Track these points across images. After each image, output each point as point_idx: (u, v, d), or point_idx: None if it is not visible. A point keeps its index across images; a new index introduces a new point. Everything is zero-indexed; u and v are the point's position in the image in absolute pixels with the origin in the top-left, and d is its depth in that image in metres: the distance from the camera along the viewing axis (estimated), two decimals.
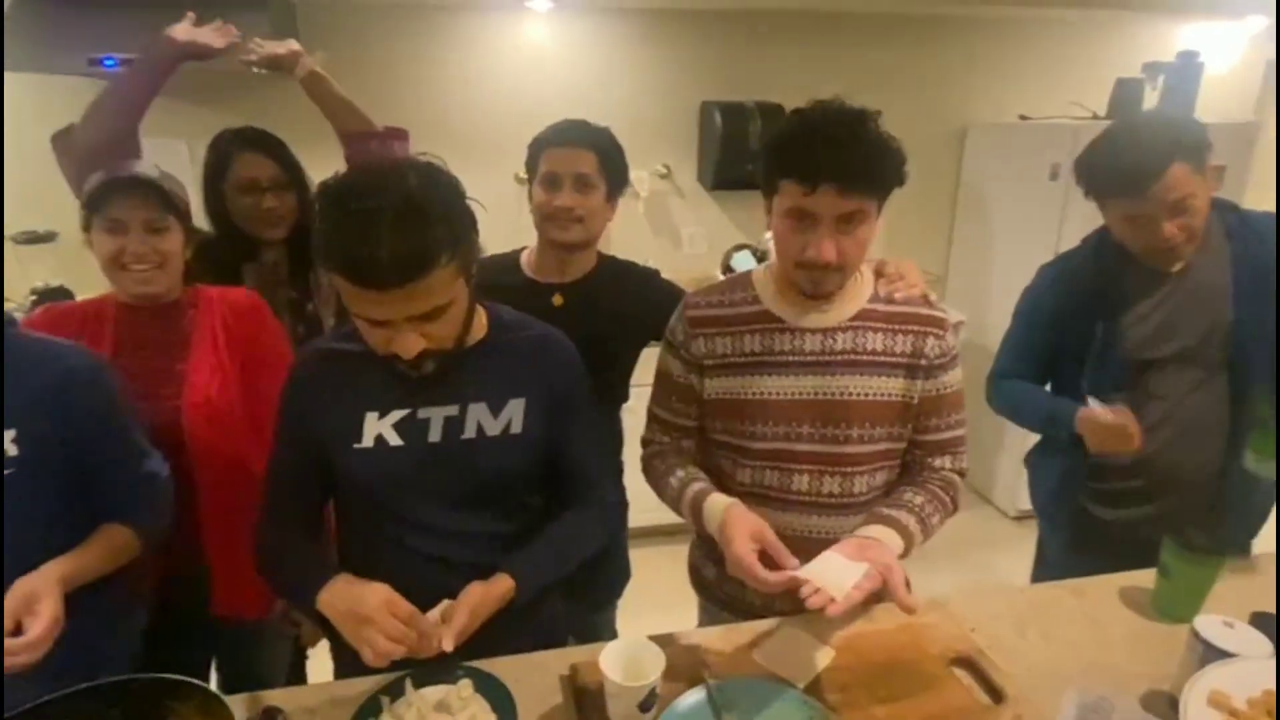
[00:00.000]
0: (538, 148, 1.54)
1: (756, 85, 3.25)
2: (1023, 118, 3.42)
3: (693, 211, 3.44)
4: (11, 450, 1.02)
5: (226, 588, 1.41)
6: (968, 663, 1.15)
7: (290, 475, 1.18)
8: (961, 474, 1.31)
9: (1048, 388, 1.72)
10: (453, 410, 1.12)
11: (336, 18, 2.91)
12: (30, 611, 0.97)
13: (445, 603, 1.04)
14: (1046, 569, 1.83)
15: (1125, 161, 1.39)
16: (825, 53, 3.32)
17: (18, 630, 0.96)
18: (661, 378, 1.33)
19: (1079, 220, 2.92)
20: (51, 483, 1.08)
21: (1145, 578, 1.32)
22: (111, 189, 1.29)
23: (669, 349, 1.31)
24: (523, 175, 3.28)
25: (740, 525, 1.10)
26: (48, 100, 2.80)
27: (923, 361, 1.23)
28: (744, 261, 3.27)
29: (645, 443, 1.38)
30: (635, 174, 3.30)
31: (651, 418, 1.36)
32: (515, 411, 1.14)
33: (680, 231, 3.46)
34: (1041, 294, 1.64)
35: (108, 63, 2.40)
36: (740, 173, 3.18)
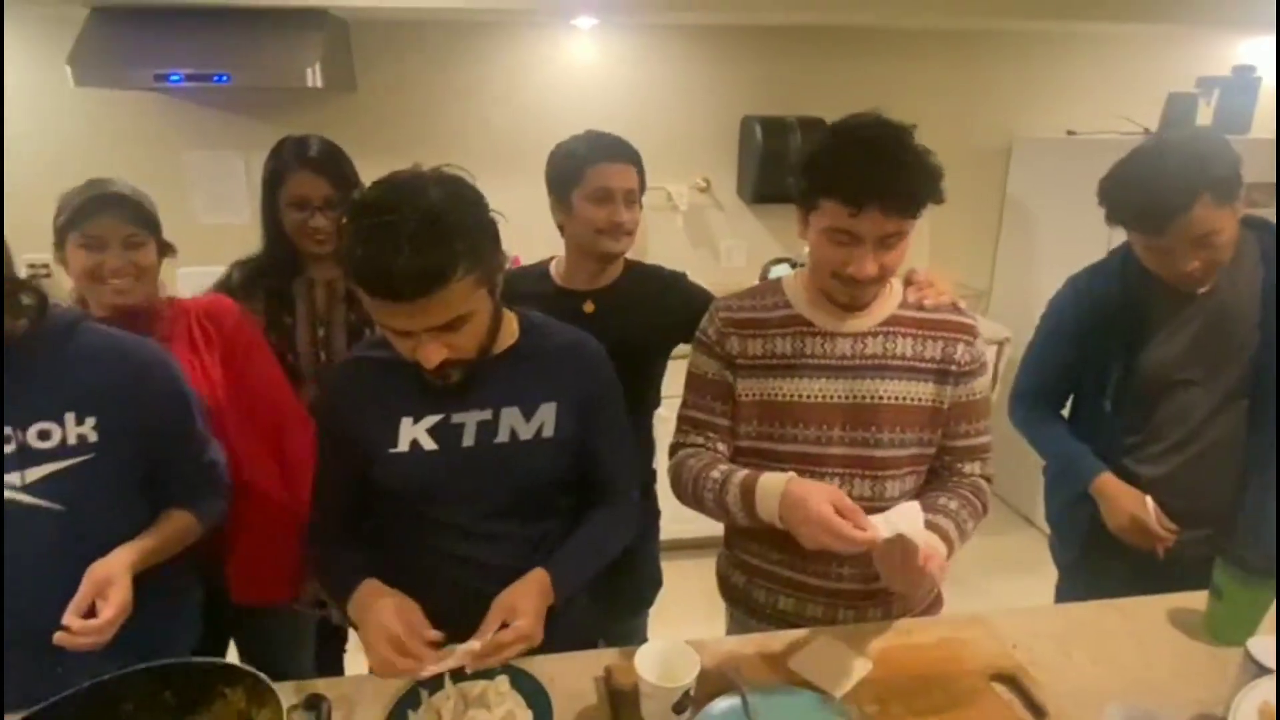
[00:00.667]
0: (579, 162, 1.55)
1: (798, 100, 3.26)
2: (1070, 133, 3.36)
3: (731, 225, 3.46)
4: (92, 436, 1.07)
5: (241, 574, 1.46)
6: (1008, 679, 1.13)
7: (332, 479, 1.22)
8: (989, 480, 1.31)
9: (1068, 405, 1.70)
10: (486, 415, 1.14)
11: (387, 34, 3.00)
12: (102, 595, 1.01)
13: (476, 636, 1.04)
14: (1063, 585, 1.80)
15: (1146, 197, 1.35)
16: (868, 67, 3.31)
17: (91, 612, 1.01)
18: (694, 379, 1.33)
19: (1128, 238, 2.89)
20: (125, 469, 1.12)
21: (1196, 600, 1.29)
22: (91, 207, 1.34)
23: (701, 349, 1.32)
24: None
25: (813, 490, 1.07)
26: (115, 114, 2.95)
27: (953, 367, 1.24)
28: (782, 274, 3.26)
29: (675, 448, 1.35)
30: (674, 187, 3.34)
31: (683, 420, 1.35)
32: (547, 415, 1.16)
33: (719, 244, 3.47)
34: (1066, 305, 1.62)
35: (173, 78, 2.50)
36: (780, 187, 3.18)
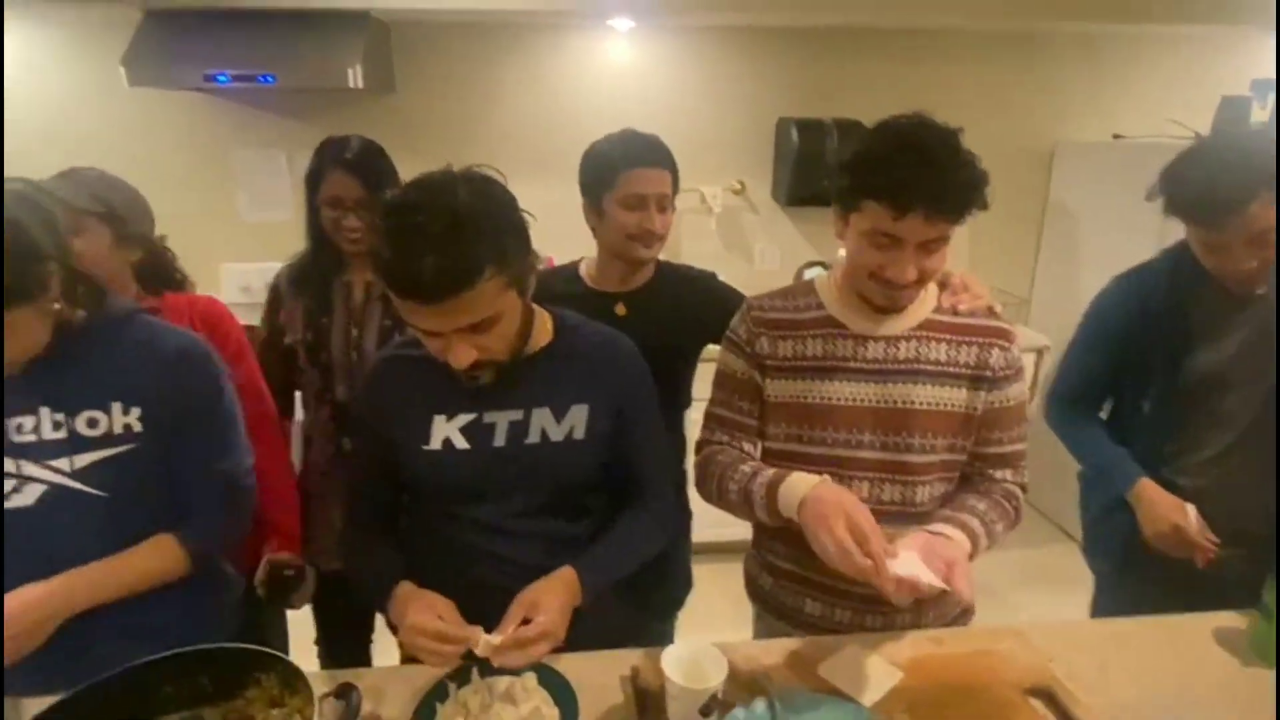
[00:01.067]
0: (612, 166, 1.53)
1: (835, 102, 3.23)
2: (1116, 136, 3.28)
3: (765, 227, 3.44)
4: (136, 426, 1.09)
5: None
6: (1044, 694, 1.10)
7: (365, 475, 1.24)
8: (1023, 488, 1.29)
9: (1106, 408, 1.66)
10: (517, 415, 1.14)
11: (427, 35, 3.04)
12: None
13: (498, 631, 1.03)
14: (1099, 594, 1.75)
15: (1206, 190, 1.32)
16: (906, 69, 3.27)
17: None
18: (723, 378, 1.33)
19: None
20: (165, 460, 1.13)
21: (1241, 618, 1.25)
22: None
23: (731, 347, 1.31)
24: None
25: (836, 502, 1.05)
26: (165, 113, 3.03)
27: (987, 373, 1.22)
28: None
29: (701, 444, 1.35)
30: (708, 189, 3.33)
31: (710, 418, 1.34)
32: (579, 417, 1.16)
33: (752, 247, 3.45)
34: (1111, 306, 1.58)
35: (220, 79, 2.56)
36: (816, 189, 3.16)
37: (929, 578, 1.01)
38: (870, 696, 1.08)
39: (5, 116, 2.93)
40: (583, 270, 1.68)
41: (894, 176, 1.06)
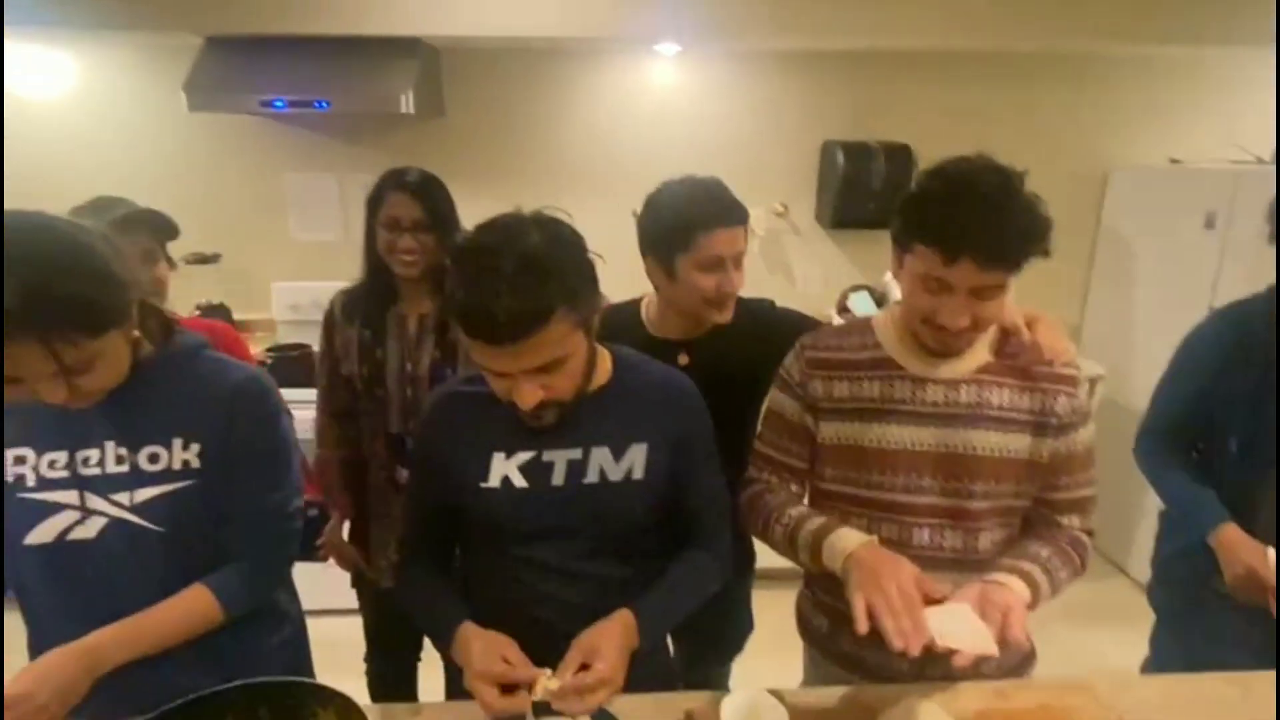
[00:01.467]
0: (688, 227, 1.40)
1: (881, 125, 3.20)
2: (1174, 161, 3.19)
3: (809, 250, 3.40)
4: (195, 463, 1.09)
5: None
6: None
7: (423, 512, 1.24)
8: (1090, 534, 1.24)
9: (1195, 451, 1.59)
10: (576, 454, 1.14)
11: (476, 61, 3.09)
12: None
13: (558, 673, 1.02)
14: (1158, 649, 1.67)
15: None
16: (954, 92, 3.23)
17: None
18: (772, 417, 1.30)
19: (1237, 273, 2.71)
20: (223, 497, 1.12)
21: None
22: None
23: (783, 388, 1.29)
24: (638, 210, 3.39)
25: (885, 568, 1.01)
26: (223, 137, 3.12)
27: (1052, 420, 1.17)
28: (861, 302, 3.19)
29: (749, 482, 1.32)
30: (752, 211, 3.28)
31: (758, 456, 1.32)
32: (637, 457, 1.15)
33: (794, 270, 3.42)
34: (1205, 342, 1.52)
35: (277, 104, 2.63)
36: (861, 212, 3.13)
37: (972, 646, 0.97)
38: None
39: (70, 140, 3.05)
40: (644, 313, 1.58)
41: (946, 220, 1.03)
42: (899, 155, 3.07)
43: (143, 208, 1.71)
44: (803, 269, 3.42)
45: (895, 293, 3.08)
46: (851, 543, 1.09)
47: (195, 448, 1.09)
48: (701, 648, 1.78)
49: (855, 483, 1.22)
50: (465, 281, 0.95)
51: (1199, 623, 1.54)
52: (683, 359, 1.51)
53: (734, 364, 1.47)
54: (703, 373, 1.40)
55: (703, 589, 1.20)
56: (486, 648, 1.04)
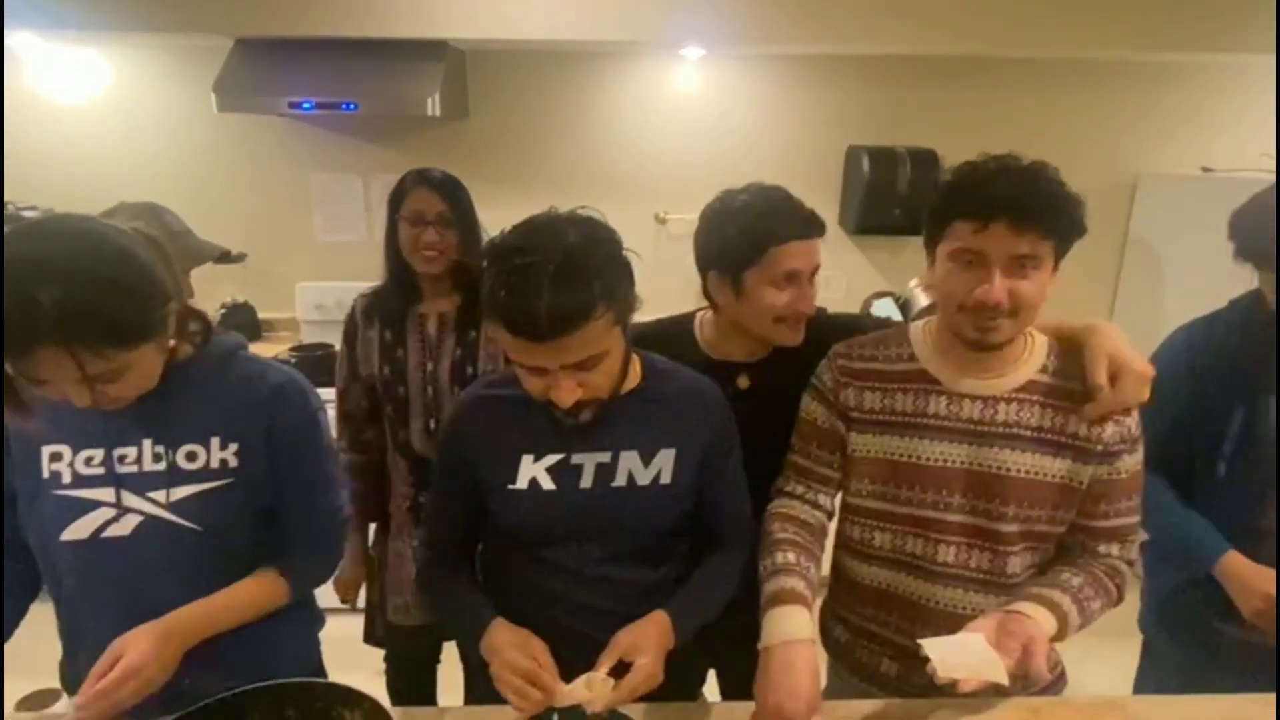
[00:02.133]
0: (760, 241, 1.29)
1: (907, 130, 3.18)
2: (1205, 170, 3.14)
3: (832, 255, 3.36)
4: (232, 462, 1.11)
5: None
6: None
7: (449, 512, 1.24)
8: (1130, 564, 1.19)
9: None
10: (605, 457, 1.14)
11: (501, 65, 3.11)
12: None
13: (591, 675, 1.03)
14: (1149, 668, 1.61)
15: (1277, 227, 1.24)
16: (980, 97, 3.20)
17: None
18: (804, 425, 1.28)
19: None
20: (259, 497, 1.15)
21: None
22: None
23: (815, 395, 1.27)
24: (662, 215, 3.42)
25: (800, 672, 1.04)
26: (250, 137, 3.16)
27: (1098, 447, 1.13)
28: (884, 309, 3.17)
29: (776, 492, 1.31)
30: None
31: (789, 466, 1.31)
32: (666, 461, 1.15)
33: (818, 275, 3.39)
34: (1173, 365, 1.43)
35: (305, 106, 2.66)
36: (886, 218, 3.11)
37: (978, 674, 0.96)
38: None
39: (101, 141, 3.10)
40: (698, 332, 1.46)
41: (976, 189, 1.05)
42: (925, 161, 3.05)
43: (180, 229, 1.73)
44: (826, 273, 3.38)
45: (920, 299, 3.09)
46: (780, 632, 1.08)
47: (233, 447, 1.11)
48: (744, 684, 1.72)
49: (884, 497, 1.20)
50: (505, 281, 0.96)
51: (1199, 660, 1.47)
52: (743, 382, 1.40)
53: (799, 389, 1.32)
54: (763, 398, 1.35)
55: (727, 593, 1.21)
56: (518, 643, 1.05)
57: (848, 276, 3.40)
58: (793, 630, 1.07)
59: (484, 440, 1.17)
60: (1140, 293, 3.32)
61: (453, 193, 1.69)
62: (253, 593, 1.14)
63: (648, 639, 1.05)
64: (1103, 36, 2.74)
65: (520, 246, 0.97)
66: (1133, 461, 1.16)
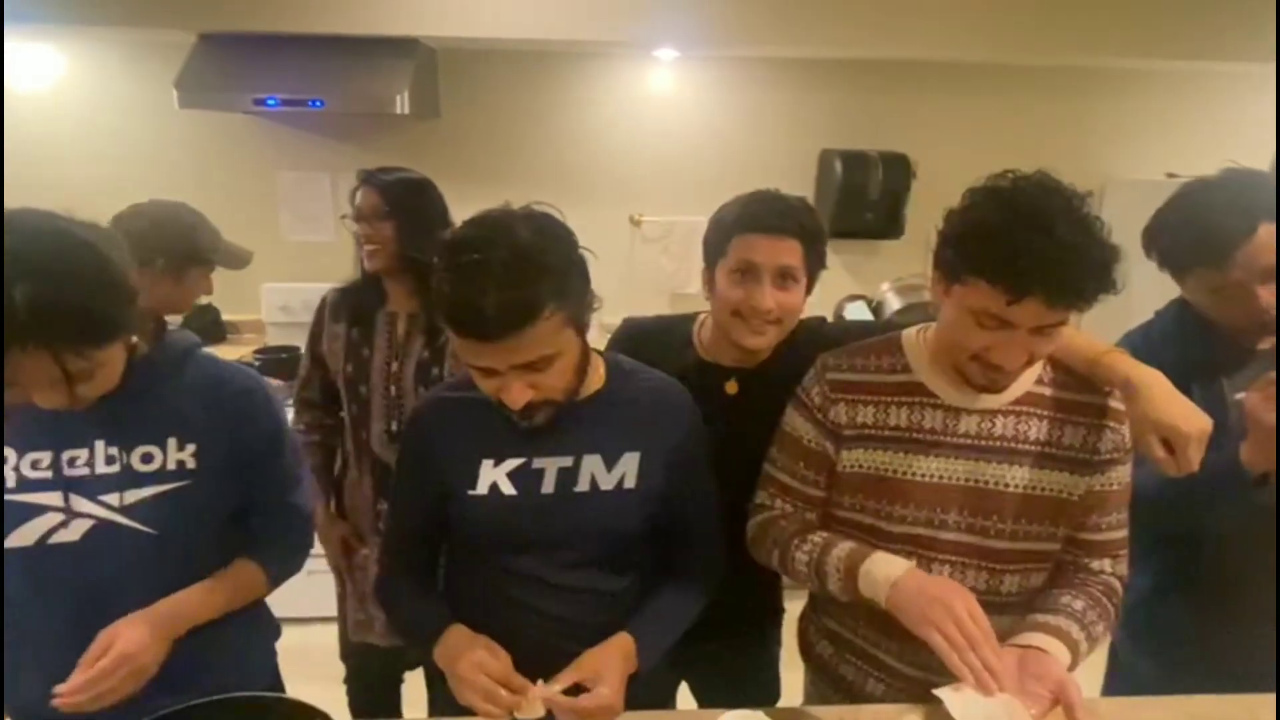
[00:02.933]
0: (725, 230, 1.30)
1: (880, 134, 3.20)
2: (1171, 175, 3.20)
3: None
4: (190, 463, 1.08)
5: None
6: None
7: (408, 519, 1.22)
8: (1122, 580, 1.18)
9: None
10: (567, 461, 1.12)
11: (473, 63, 3.08)
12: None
13: (553, 682, 1.02)
14: (1117, 678, 1.57)
15: (1205, 226, 1.23)
16: (952, 102, 3.23)
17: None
18: (788, 441, 1.23)
19: None
20: (219, 499, 1.13)
21: None
22: None
23: (801, 410, 1.21)
24: (637, 217, 3.41)
25: (952, 592, 0.97)
26: (214, 135, 3.10)
27: (1094, 457, 1.12)
28: (856, 312, 3.19)
29: (757, 508, 1.25)
30: None
31: (769, 482, 1.25)
32: (630, 466, 1.13)
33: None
34: None
35: (271, 102, 2.62)
36: (858, 222, 3.14)
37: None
38: None
39: (58, 135, 3.02)
40: (697, 332, 1.44)
41: (1012, 256, 0.94)
42: (897, 165, 3.08)
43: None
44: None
45: (893, 303, 3.11)
46: (895, 569, 1.03)
47: (191, 448, 1.08)
48: (716, 696, 1.67)
49: (874, 513, 1.16)
50: (452, 277, 0.94)
51: (1171, 678, 1.38)
52: (731, 387, 1.37)
53: (790, 395, 1.27)
54: (752, 406, 1.32)
55: (696, 607, 1.19)
56: (475, 649, 1.03)
57: (820, 280, 3.40)
58: (900, 564, 1.03)
59: (443, 444, 1.14)
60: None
61: (391, 188, 1.68)
62: (235, 582, 1.14)
63: (612, 669, 1.03)
64: (1072, 43, 2.79)
65: (468, 242, 0.95)
66: (1124, 472, 1.15)
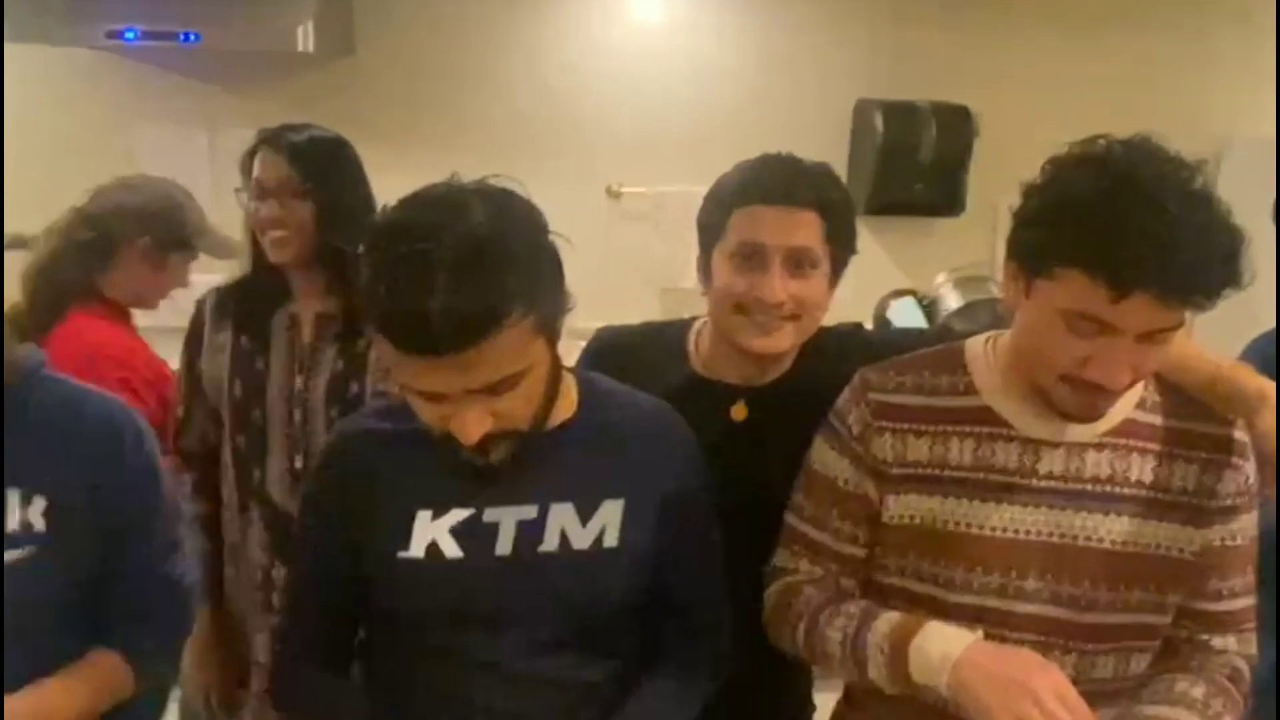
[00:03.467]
0: (722, 204, 1.32)
1: (933, 80, 3.24)
2: None
3: None
4: (39, 524, 1.07)
5: None
6: None
7: (315, 589, 1.22)
8: (1251, 661, 1.19)
9: None
10: (529, 512, 1.12)
11: None
12: None
13: None
14: None
15: None
16: (1026, 41, 3.29)
17: None
18: (817, 482, 1.22)
19: None
20: (79, 567, 1.12)
21: None
22: None
23: (833, 441, 1.21)
24: (616, 188, 3.43)
25: (1020, 666, 0.98)
26: (53, 76, 3.09)
27: (1212, 503, 1.13)
28: (904, 313, 3.21)
29: (777, 573, 1.26)
30: None
31: (792, 537, 1.24)
32: (611, 517, 1.14)
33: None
34: None
35: (128, 35, 2.62)
36: (906, 194, 3.18)
37: None
38: None
39: None
40: (692, 343, 1.45)
41: (1117, 240, 0.94)
42: (955, 119, 3.11)
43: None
44: None
45: (951, 300, 3.13)
46: (956, 644, 1.02)
47: (40, 504, 1.07)
48: None
49: (930, 578, 1.15)
50: (388, 273, 0.93)
51: None
52: (738, 412, 1.38)
53: (811, 422, 1.28)
54: (766, 434, 1.32)
55: (696, 704, 1.19)
56: None
57: (856, 269, 3.40)
58: (960, 637, 1.04)
59: (364, 492, 1.14)
60: None
61: (305, 153, 1.68)
62: (94, 675, 1.13)
63: None
64: None
65: (407, 228, 0.95)
66: (1249, 521, 1.15)
